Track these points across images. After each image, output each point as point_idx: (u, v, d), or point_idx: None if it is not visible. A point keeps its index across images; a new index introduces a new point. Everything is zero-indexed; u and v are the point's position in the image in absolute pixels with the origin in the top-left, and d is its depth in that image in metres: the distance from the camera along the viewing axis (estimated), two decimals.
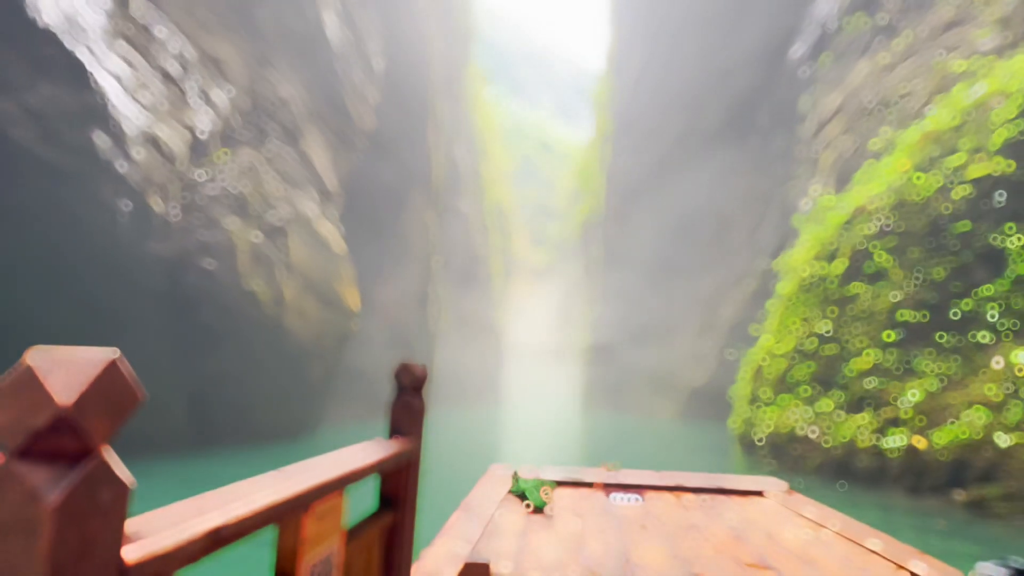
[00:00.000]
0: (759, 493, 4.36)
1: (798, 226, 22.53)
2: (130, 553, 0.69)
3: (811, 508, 3.79)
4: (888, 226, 12.50)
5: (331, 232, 16.97)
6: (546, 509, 3.61)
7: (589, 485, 4.42)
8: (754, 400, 16.38)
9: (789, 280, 16.51)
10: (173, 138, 11.48)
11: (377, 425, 26.49)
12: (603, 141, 67.13)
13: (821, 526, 3.42)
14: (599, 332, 60.93)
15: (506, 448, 18.57)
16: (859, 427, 11.12)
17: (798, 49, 29.83)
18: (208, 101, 12.82)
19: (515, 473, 4.08)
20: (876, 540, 3.03)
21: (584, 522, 3.39)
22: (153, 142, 11.00)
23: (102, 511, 0.62)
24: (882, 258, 12.44)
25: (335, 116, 18.59)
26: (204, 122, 12.53)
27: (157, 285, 11.36)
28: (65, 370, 0.60)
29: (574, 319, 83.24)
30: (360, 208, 23.88)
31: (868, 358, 11.55)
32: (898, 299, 11.75)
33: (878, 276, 12.55)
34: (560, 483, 4.44)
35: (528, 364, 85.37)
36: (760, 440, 14.47)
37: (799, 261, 15.40)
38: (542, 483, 3.75)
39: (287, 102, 15.85)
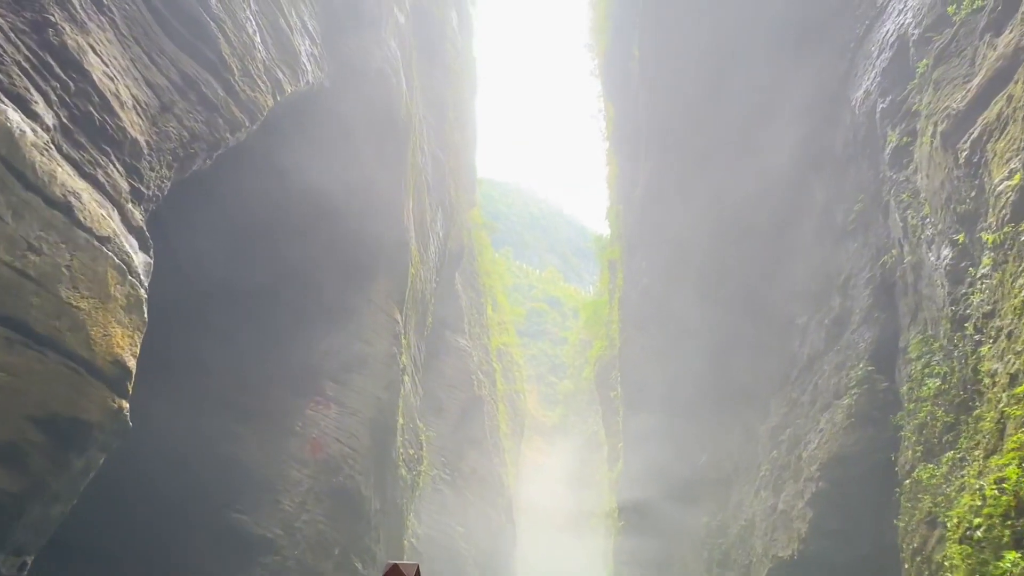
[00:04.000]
0: None
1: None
2: None
3: None
4: None
5: (86, 194, 7.34)
6: None
7: None
8: None
9: None
10: None
11: None
12: (612, 271, 59.65)
13: None
14: (627, 489, 46.89)
15: None
16: None
17: (867, 85, 22.46)
18: None
19: None
20: None
21: None
22: None
23: None
24: None
25: (181, 37, 10.10)
26: None
27: None
28: None
29: (595, 478, 69.00)
30: (246, 236, 14.14)
31: None
32: None
33: None
34: None
35: (543, 534, 68.47)
36: None
37: None
38: None
39: None
